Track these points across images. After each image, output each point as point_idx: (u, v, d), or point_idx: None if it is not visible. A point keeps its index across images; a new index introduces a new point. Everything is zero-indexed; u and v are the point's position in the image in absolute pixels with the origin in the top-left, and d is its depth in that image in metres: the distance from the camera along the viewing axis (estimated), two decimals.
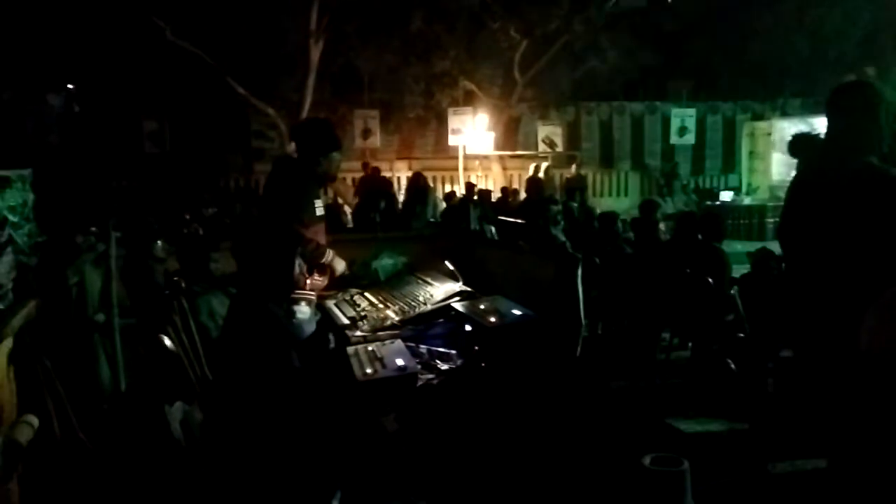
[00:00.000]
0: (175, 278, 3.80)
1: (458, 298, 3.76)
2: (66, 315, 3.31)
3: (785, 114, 15.85)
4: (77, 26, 12.07)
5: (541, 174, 12.66)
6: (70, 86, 13.89)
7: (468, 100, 15.18)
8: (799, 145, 4.10)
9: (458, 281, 4.00)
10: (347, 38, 13.75)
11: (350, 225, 9.32)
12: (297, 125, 3.80)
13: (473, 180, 13.67)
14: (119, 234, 3.90)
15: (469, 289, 3.87)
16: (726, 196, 13.58)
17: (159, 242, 4.17)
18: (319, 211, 3.40)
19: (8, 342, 2.24)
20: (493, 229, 6.85)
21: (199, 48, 12.53)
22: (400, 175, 15.17)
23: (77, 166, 11.94)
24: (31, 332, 2.44)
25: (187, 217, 8.81)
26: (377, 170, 13.05)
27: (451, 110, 14.70)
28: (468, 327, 3.48)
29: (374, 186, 11.35)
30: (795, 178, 2.67)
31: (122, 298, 3.50)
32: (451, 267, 4.18)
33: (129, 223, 5.18)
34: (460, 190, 12.32)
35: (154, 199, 10.69)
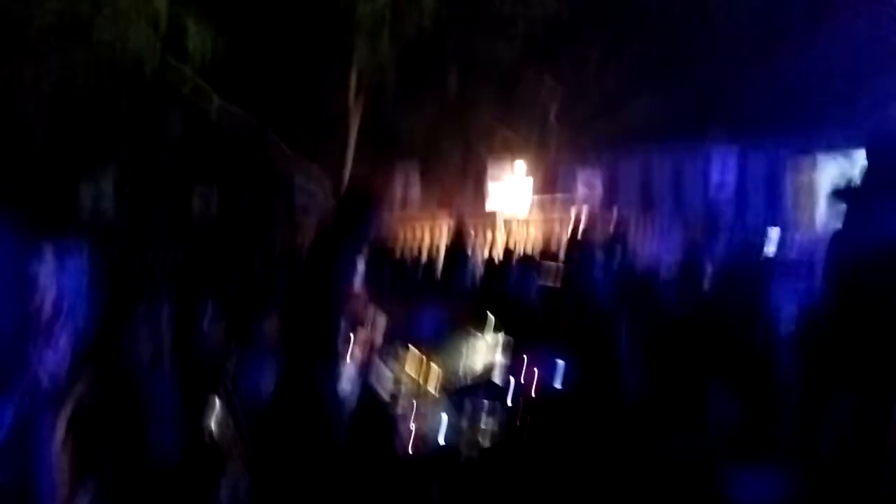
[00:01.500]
0: (224, 341, 3.88)
1: (502, 359, 3.74)
2: (120, 381, 3.39)
3: (830, 151, 15.50)
4: (126, 94, 12.61)
5: (582, 222, 12.59)
6: (124, 154, 14.47)
7: (507, 150, 15.33)
8: (846, 190, 4.00)
9: (502, 334, 3.98)
10: (387, 94, 14.12)
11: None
12: (344, 194, 3.90)
13: (515, 229, 13.71)
14: (171, 297, 4.01)
15: (514, 342, 3.84)
16: (771, 244, 13.24)
17: (210, 305, 4.26)
18: (362, 276, 3.45)
19: (66, 410, 2.30)
20: (536, 279, 6.81)
21: (243, 108, 13.02)
22: (441, 228, 15.29)
23: (130, 233, 12.33)
24: (86, 399, 2.51)
25: (236, 278, 8.99)
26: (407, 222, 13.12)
27: (490, 161, 14.86)
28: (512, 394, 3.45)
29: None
30: (846, 224, 2.58)
31: (174, 362, 3.58)
32: (497, 320, 4.18)
33: (180, 287, 5.31)
34: (502, 240, 12.35)
35: (204, 261, 10.96)
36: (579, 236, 11.64)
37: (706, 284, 6.05)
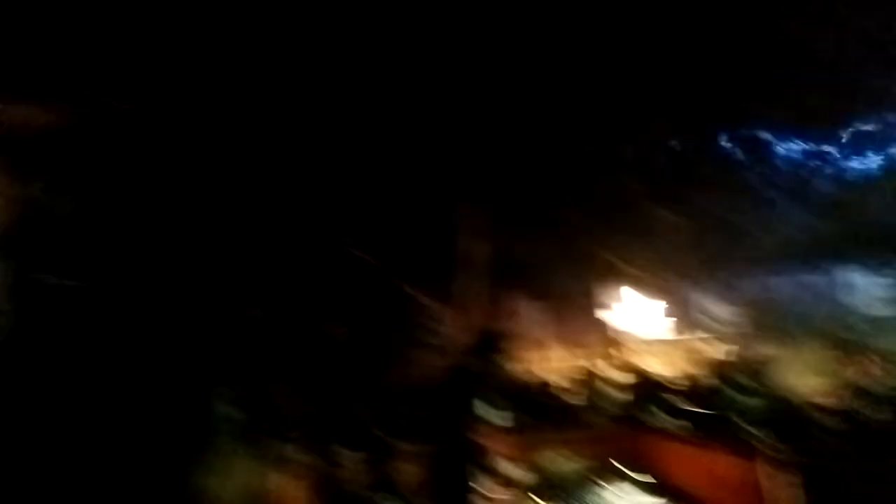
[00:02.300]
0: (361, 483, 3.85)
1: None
2: None
3: None
4: (267, 246, 13.54)
5: (719, 356, 11.95)
6: (265, 298, 15.33)
7: (632, 283, 15.04)
8: None
9: (655, 495, 3.70)
10: (505, 233, 14.41)
11: None
12: (474, 334, 3.92)
13: (644, 366, 13.14)
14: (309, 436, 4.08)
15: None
16: None
17: (346, 451, 4.30)
18: (493, 417, 3.38)
19: None
20: (674, 420, 6.43)
21: (367, 254, 13.63)
22: (566, 363, 14.96)
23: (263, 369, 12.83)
24: None
25: (371, 417, 9.06)
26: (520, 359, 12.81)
27: (613, 295, 14.58)
28: None
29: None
30: None
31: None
32: (645, 478, 3.91)
33: (317, 427, 5.42)
34: (632, 378, 11.84)
35: (338, 404, 11.15)
36: (716, 362, 11.04)
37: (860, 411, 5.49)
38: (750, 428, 5.75)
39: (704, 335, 14.44)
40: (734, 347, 13.32)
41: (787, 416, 6.30)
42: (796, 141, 14.05)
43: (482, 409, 3.36)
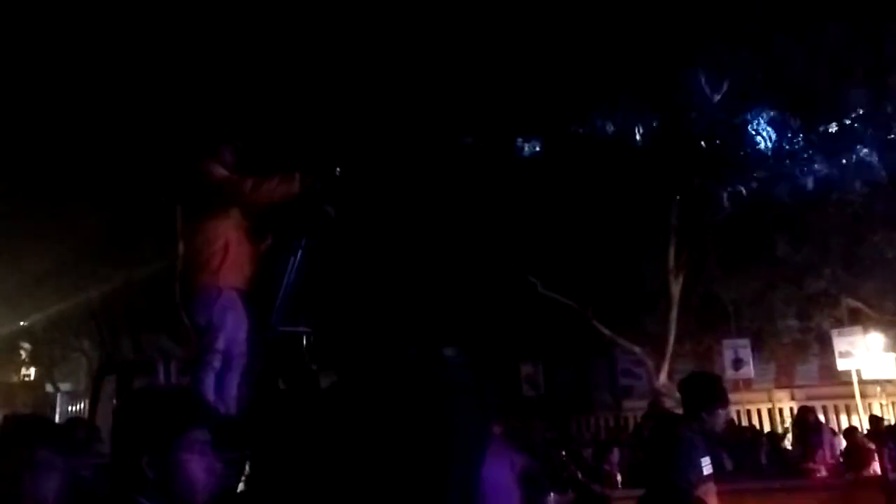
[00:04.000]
0: None
1: None
2: None
3: None
4: (465, 288, 14.12)
5: None
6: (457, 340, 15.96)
7: (855, 318, 13.61)
8: None
9: None
10: (707, 268, 13.77)
11: None
12: (684, 380, 3.87)
13: (876, 410, 11.80)
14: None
15: None
16: None
17: (552, 495, 4.40)
18: (707, 469, 3.31)
19: None
20: None
21: (565, 296, 13.67)
22: (782, 406, 13.88)
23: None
24: None
25: (564, 456, 9.08)
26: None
27: (834, 332, 13.24)
28: None
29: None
30: None
31: None
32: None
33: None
34: (861, 423, 10.69)
35: (530, 440, 11.26)
36: None
37: None
38: None
39: None
40: None
41: None
42: None
43: (693, 456, 3.29)
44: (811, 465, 7.99)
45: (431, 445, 0.83)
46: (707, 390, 3.46)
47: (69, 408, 17.44)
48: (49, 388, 18.46)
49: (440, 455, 0.83)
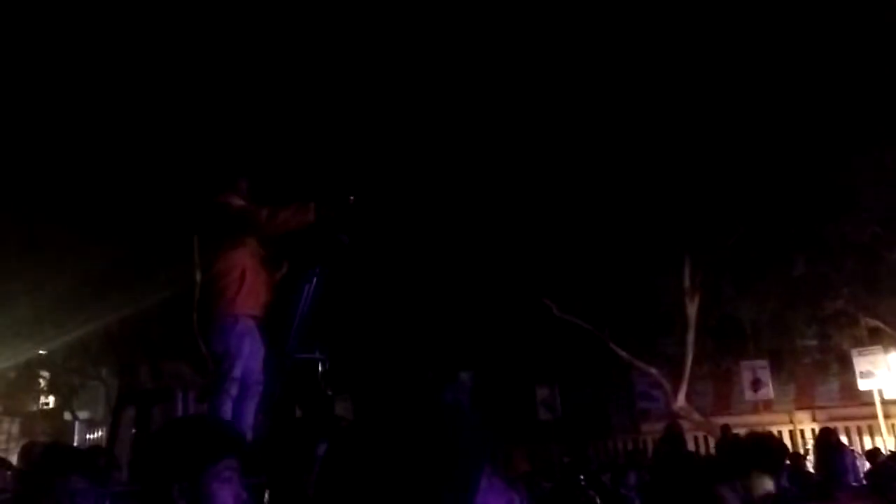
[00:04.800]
0: None
1: None
2: None
3: None
4: (480, 312, 14.15)
5: None
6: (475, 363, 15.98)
7: (875, 338, 13.43)
8: None
9: None
10: (723, 289, 13.69)
11: None
12: (682, 394, 3.82)
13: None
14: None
15: None
16: None
17: None
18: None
19: None
20: None
21: (582, 319, 13.63)
22: (803, 428, 13.69)
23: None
24: None
25: (582, 481, 8.99)
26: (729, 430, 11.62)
27: (855, 352, 13.07)
28: None
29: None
30: None
31: None
32: None
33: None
34: (885, 444, 10.52)
35: (549, 465, 11.19)
36: None
37: None
38: None
39: None
40: None
41: None
42: None
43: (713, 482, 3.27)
44: (838, 494, 7.85)
45: (432, 474, 0.86)
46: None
47: (87, 436, 17.54)
48: (67, 416, 18.57)
49: (438, 483, 0.86)
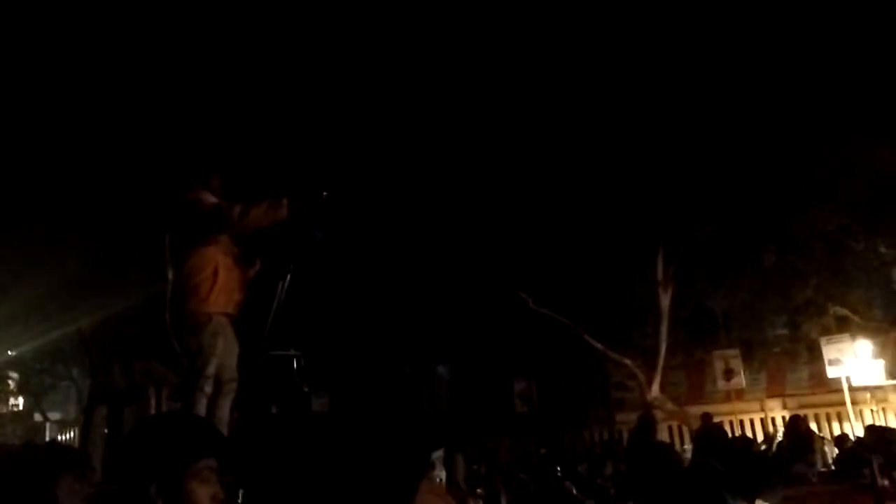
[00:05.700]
0: None
1: None
2: None
3: None
4: (456, 306, 14.17)
5: None
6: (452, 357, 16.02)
7: (843, 327, 13.69)
8: None
9: None
10: (696, 281, 13.87)
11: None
12: (656, 384, 3.87)
13: (867, 417, 11.86)
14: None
15: None
16: None
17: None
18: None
19: None
20: None
21: (557, 312, 13.72)
22: (774, 415, 13.95)
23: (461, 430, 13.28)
24: None
25: (559, 472, 9.07)
26: (710, 419, 11.80)
27: (823, 340, 13.33)
28: None
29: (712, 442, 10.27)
30: None
31: None
32: None
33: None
34: (853, 430, 10.75)
35: (526, 457, 11.27)
36: None
37: None
38: None
39: None
40: None
41: None
42: None
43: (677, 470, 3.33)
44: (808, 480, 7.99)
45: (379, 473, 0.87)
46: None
47: (59, 437, 17.27)
48: (38, 417, 18.28)
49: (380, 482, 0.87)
